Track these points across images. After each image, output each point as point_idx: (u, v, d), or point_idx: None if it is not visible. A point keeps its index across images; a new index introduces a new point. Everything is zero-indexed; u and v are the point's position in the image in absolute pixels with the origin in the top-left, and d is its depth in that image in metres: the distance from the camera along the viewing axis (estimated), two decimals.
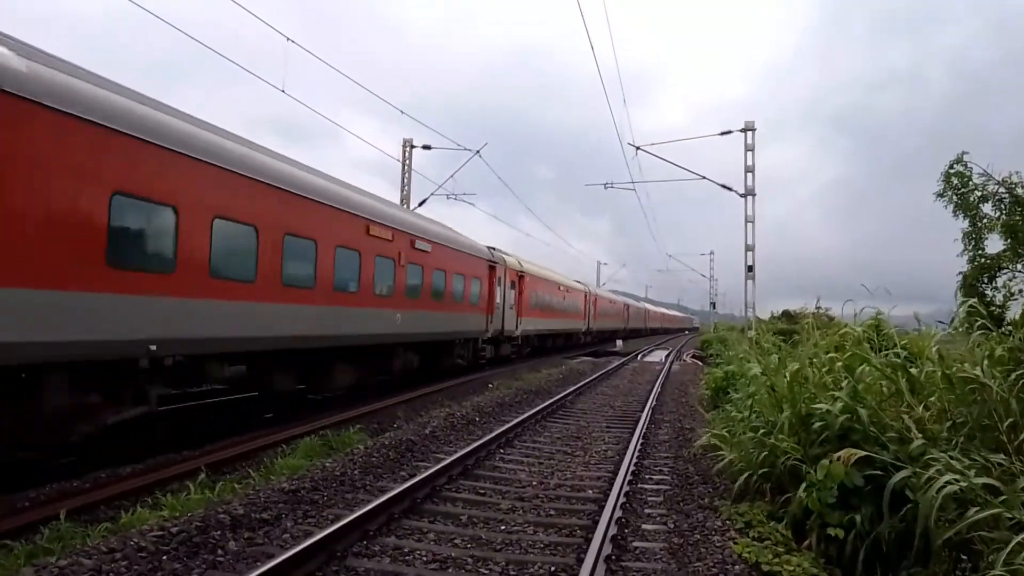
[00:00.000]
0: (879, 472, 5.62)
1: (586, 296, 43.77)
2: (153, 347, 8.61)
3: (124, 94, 8.64)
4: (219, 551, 5.56)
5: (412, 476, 8.00)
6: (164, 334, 8.78)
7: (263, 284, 10.93)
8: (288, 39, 14.96)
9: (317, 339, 12.76)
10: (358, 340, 14.32)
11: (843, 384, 6.80)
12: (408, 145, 27.50)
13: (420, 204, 27.14)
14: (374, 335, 15.07)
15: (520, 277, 28.08)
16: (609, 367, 26.60)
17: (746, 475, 7.44)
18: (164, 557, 5.21)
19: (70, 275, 7.39)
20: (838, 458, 5.68)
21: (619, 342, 50.23)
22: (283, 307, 11.50)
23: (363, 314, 14.32)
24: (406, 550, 5.91)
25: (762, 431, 7.49)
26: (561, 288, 36.49)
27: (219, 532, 5.82)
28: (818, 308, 16.93)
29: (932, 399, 6.43)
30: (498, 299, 25.06)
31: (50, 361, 7.36)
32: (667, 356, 36.28)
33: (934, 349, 6.88)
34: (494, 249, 25.98)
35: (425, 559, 5.76)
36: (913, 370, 6.69)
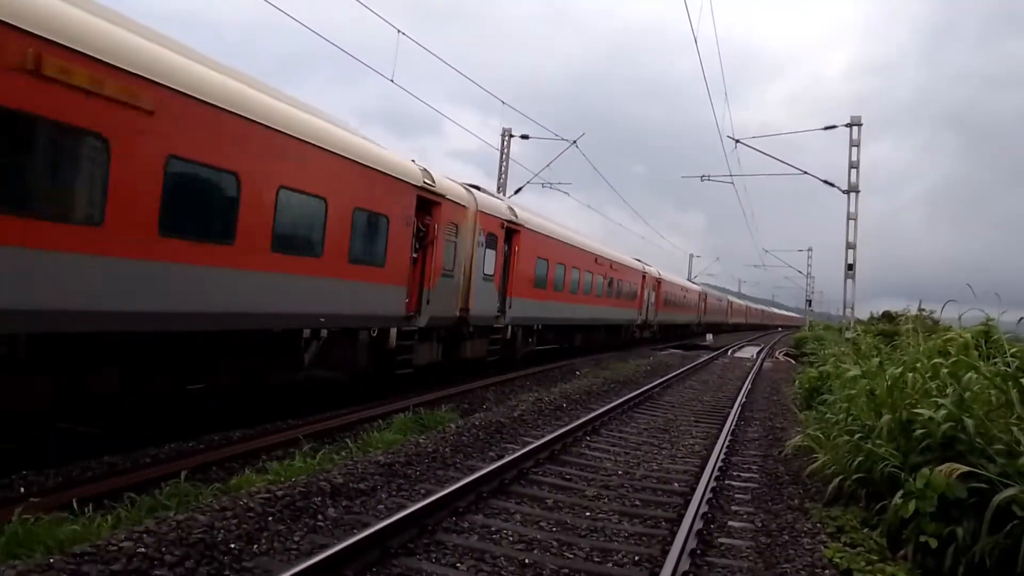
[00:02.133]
0: (983, 485, 5.40)
1: (644, 278, 33.89)
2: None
3: None
4: (319, 516, 5.89)
5: (500, 457, 8.19)
6: None
7: None
8: (399, 31, 15.34)
9: None
10: None
11: (948, 391, 6.55)
12: (507, 134, 27.89)
13: (516, 192, 27.46)
14: None
15: (510, 232, 17.81)
16: (698, 361, 26.23)
17: (840, 479, 7.28)
18: (270, 518, 5.56)
19: None
20: (940, 470, 5.49)
21: (709, 336, 49.26)
22: None
23: None
24: (493, 529, 6.09)
25: (859, 435, 7.30)
26: (600, 261, 25.86)
27: (320, 499, 6.15)
28: (921, 310, 16.18)
29: None
30: (447, 262, 14.64)
31: None
32: (759, 353, 35.42)
33: None
34: (475, 188, 16.61)
35: (511, 539, 5.92)
36: None
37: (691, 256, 76.33)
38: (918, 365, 7.47)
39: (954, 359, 6.96)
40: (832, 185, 22.82)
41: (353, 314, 11.55)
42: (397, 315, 12.84)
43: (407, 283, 13.03)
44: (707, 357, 29.11)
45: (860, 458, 7.00)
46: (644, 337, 36.43)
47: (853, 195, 22.09)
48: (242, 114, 8.65)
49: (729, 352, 35.58)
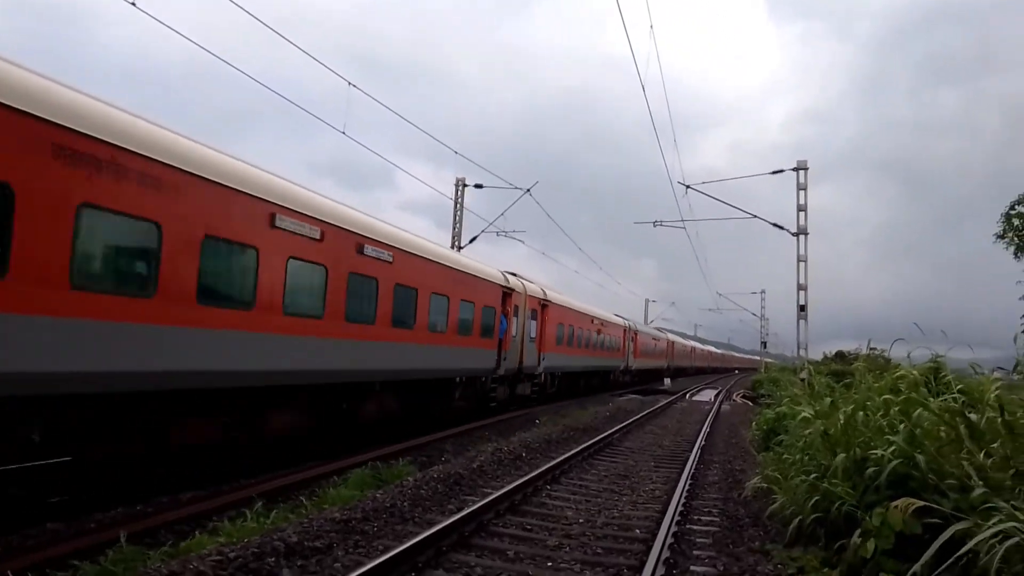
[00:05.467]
0: (938, 521, 5.46)
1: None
2: None
3: None
4: None
5: (460, 510, 8.05)
6: None
7: None
8: (350, 83, 15.50)
9: None
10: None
11: (899, 429, 6.66)
12: (461, 183, 27.99)
13: (471, 241, 27.54)
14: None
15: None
16: (656, 406, 26.31)
17: (799, 519, 7.30)
18: None
19: None
20: (895, 506, 5.55)
21: (667, 380, 49.68)
22: None
23: None
24: None
25: (815, 475, 7.35)
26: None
27: (274, 559, 5.96)
28: (872, 350, 16.53)
29: (994, 446, 6.24)
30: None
31: None
32: (716, 395, 35.72)
33: (993, 395, 6.70)
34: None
35: None
36: (973, 416, 6.51)
37: (647, 301, 77.34)
38: (869, 404, 7.60)
39: (904, 396, 7.10)
40: (782, 228, 23.36)
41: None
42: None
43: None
44: (665, 401, 29.25)
45: (817, 497, 7.03)
46: (625, 380, 43.89)
47: (802, 237, 22.62)
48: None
49: (687, 396, 35.82)
